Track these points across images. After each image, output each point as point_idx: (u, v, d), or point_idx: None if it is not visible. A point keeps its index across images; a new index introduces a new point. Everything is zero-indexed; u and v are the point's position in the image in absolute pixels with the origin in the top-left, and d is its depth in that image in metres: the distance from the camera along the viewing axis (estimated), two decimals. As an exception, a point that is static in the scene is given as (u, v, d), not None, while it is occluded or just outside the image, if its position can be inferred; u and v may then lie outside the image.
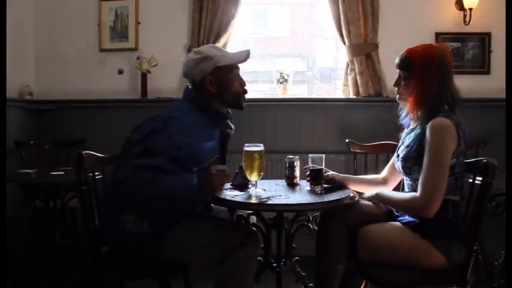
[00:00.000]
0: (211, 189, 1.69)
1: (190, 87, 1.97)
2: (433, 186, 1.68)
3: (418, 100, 1.78)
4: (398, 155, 1.90)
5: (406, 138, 1.88)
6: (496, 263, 2.53)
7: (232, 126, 2.04)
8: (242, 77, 1.99)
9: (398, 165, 1.89)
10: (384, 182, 2.08)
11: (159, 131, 1.72)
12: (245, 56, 1.94)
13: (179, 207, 1.70)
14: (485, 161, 1.65)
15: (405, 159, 1.83)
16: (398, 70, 1.88)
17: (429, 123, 1.72)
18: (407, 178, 1.88)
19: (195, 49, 1.97)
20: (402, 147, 1.89)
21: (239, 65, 1.98)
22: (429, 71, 1.76)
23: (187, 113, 1.85)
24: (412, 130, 1.84)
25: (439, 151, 1.69)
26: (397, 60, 1.87)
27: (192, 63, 1.92)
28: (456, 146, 1.72)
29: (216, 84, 1.91)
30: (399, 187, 2.09)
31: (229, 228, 1.85)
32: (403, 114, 1.95)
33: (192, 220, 1.82)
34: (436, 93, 1.76)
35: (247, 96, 1.99)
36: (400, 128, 2.02)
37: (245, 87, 1.99)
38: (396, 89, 1.90)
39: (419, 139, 1.76)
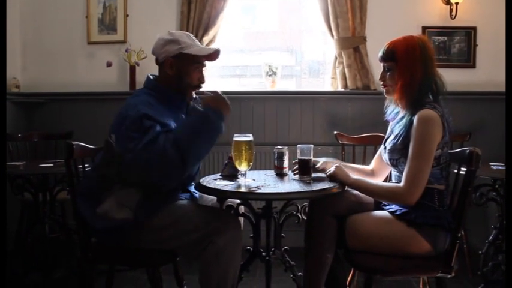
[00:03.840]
0: (224, 107, 1.79)
1: (151, 77, 1.99)
2: (416, 176, 1.72)
3: (404, 88, 1.81)
4: (385, 147, 1.94)
5: (396, 127, 1.90)
6: (480, 252, 2.58)
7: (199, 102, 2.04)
8: (204, 74, 2.01)
9: (386, 157, 1.92)
10: (372, 173, 2.11)
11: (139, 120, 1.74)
12: (211, 52, 1.95)
13: (210, 138, 1.75)
14: (468, 150, 1.68)
15: (392, 151, 1.86)
16: (382, 63, 1.91)
17: (416, 115, 1.75)
18: (395, 170, 1.91)
19: (170, 30, 1.98)
20: (390, 139, 1.92)
21: (206, 63, 1.99)
22: (413, 58, 1.80)
23: (142, 96, 1.89)
24: (402, 119, 1.87)
25: (425, 142, 1.73)
26: (380, 53, 1.90)
27: (161, 42, 1.94)
28: (442, 137, 1.76)
29: (175, 68, 1.92)
30: (387, 180, 2.12)
31: (207, 213, 1.86)
32: (389, 110, 1.99)
33: (172, 206, 1.85)
34: (422, 79, 1.80)
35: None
36: (386, 123, 2.06)
37: (201, 83, 2.00)
38: (382, 83, 1.92)
39: (407, 131, 1.80)
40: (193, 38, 1.99)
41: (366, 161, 2.20)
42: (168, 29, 1.99)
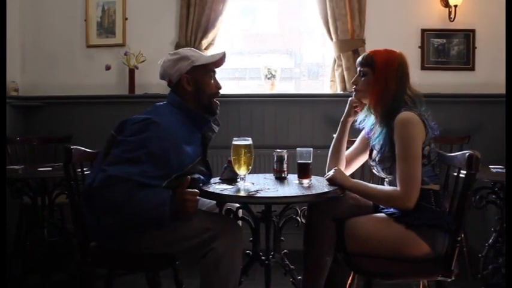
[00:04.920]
0: (183, 214, 1.71)
1: (175, 95, 1.96)
2: (409, 178, 1.74)
3: (379, 96, 1.86)
4: (374, 160, 1.95)
5: (376, 143, 1.92)
6: (480, 255, 2.58)
7: (216, 129, 2.05)
8: (218, 80, 2.01)
9: (378, 169, 1.94)
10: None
11: (138, 135, 1.73)
12: (221, 56, 1.96)
13: (148, 224, 1.73)
14: (468, 154, 1.68)
15: (382, 161, 1.88)
16: (358, 68, 1.95)
17: (395, 120, 1.78)
18: (390, 177, 1.91)
19: (171, 52, 2.00)
20: (375, 152, 1.94)
21: (216, 70, 2.00)
22: (390, 69, 1.85)
23: (168, 116, 1.86)
24: (380, 133, 1.89)
25: (409, 143, 1.75)
26: (359, 59, 1.96)
27: (170, 63, 1.94)
28: (426, 134, 1.79)
29: (193, 83, 1.92)
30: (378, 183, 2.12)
31: (207, 219, 1.85)
32: (360, 117, 2.03)
33: None
34: (395, 91, 1.84)
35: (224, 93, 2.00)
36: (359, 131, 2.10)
37: (219, 90, 2.00)
38: (354, 86, 1.97)
39: (389, 138, 1.82)
40: (196, 50, 2.02)
41: (363, 164, 2.20)
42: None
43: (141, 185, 1.68)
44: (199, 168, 1.93)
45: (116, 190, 1.64)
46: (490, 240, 2.55)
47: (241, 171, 1.87)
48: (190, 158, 1.86)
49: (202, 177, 1.94)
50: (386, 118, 1.84)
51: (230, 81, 3.89)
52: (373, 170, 2.01)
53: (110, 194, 1.64)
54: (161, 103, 1.99)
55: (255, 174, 2.17)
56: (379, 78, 1.86)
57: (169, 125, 1.79)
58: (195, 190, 1.76)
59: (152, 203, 1.68)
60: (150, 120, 1.77)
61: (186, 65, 1.91)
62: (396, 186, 1.78)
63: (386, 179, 1.95)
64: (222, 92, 2.02)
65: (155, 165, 1.71)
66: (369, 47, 3.41)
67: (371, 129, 2.00)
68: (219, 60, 1.97)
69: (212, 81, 1.97)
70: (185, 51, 1.97)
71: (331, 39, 3.45)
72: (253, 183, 1.92)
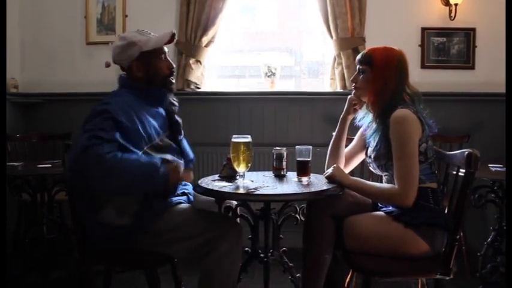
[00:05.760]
0: (173, 180, 1.71)
1: (125, 77, 1.96)
2: (406, 176, 1.74)
3: (378, 93, 1.86)
4: (370, 157, 1.95)
5: (371, 140, 1.93)
6: (478, 254, 2.58)
7: (176, 103, 2.03)
8: (169, 59, 1.98)
9: (374, 166, 1.94)
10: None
11: (99, 115, 1.72)
12: (169, 37, 1.92)
13: (140, 185, 1.69)
14: (467, 152, 1.68)
15: (377, 158, 1.88)
16: (358, 65, 1.95)
17: (391, 117, 1.78)
18: (386, 174, 1.91)
19: (120, 34, 1.96)
20: (370, 149, 1.94)
21: (166, 49, 1.96)
22: (389, 67, 1.85)
23: (124, 95, 1.86)
24: (375, 131, 1.90)
25: (406, 141, 1.75)
26: (358, 56, 1.95)
27: (118, 49, 1.91)
28: (422, 131, 1.78)
29: (143, 69, 1.90)
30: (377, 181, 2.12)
31: (209, 219, 1.85)
32: (360, 115, 2.03)
33: (173, 211, 1.83)
34: (394, 88, 1.84)
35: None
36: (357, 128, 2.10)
37: (172, 70, 1.97)
38: (353, 84, 1.97)
39: (384, 135, 1.82)
40: (145, 31, 1.96)
41: (363, 162, 2.20)
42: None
43: (123, 149, 1.66)
44: (169, 142, 1.90)
45: (104, 148, 1.60)
46: (489, 239, 2.56)
47: (241, 168, 1.87)
48: (158, 130, 1.85)
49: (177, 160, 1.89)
50: (382, 115, 1.84)
51: (230, 79, 3.88)
52: (369, 167, 2.01)
53: (99, 150, 1.59)
54: (114, 90, 1.98)
55: (254, 172, 2.17)
56: (377, 76, 1.86)
57: (125, 100, 1.80)
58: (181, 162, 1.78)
59: (143, 160, 1.67)
60: (105, 102, 1.78)
61: (134, 52, 1.88)
62: (394, 183, 1.78)
63: (384, 177, 1.95)
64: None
65: (126, 135, 1.70)
66: (369, 45, 3.36)
67: (368, 127, 2.00)
68: (169, 40, 1.93)
69: (164, 62, 1.94)
70: (133, 35, 1.92)
71: (331, 37, 3.44)
72: (252, 181, 1.92)
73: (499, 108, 2.93)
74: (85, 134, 1.66)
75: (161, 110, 1.95)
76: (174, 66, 2.01)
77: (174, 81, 2.00)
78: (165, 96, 1.96)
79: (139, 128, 1.76)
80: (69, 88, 3.62)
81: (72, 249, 2.89)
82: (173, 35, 1.93)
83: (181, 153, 2.00)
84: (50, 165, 2.74)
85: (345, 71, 3.42)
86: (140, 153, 1.74)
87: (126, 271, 2.72)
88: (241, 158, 1.85)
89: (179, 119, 2.05)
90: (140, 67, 1.90)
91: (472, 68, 3.49)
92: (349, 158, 2.12)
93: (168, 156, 1.83)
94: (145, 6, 3.63)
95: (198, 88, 3.51)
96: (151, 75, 1.91)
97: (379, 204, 1.94)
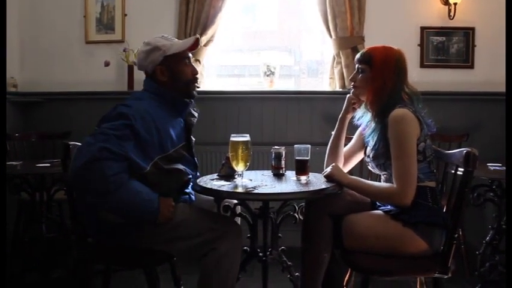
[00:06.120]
0: (162, 216, 1.73)
1: (151, 80, 1.95)
2: (405, 175, 1.74)
3: (376, 92, 1.86)
4: (368, 156, 1.95)
5: (370, 139, 1.93)
6: (477, 252, 2.59)
7: (196, 115, 2.03)
8: (194, 65, 1.99)
9: (372, 165, 1.94)
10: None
11: (117, 120, 1.72)
12: (192, 42, 1.93)
13: (131, 212, 1.71)
14: (466, 151, 1.68)
15: (376, 158, 1.89)
16: (357, 65, 1.95)
17: (389, 117, 1.78)
18: (385, 173, 1.92)
19: (145, 40, 1.96)
20: (369, 149, 1.95)
21: (190, 54, 1.97)
22: (388, 66, 1.85)
23: (147, 100, 1.85)
24: (373, 130, 1.90)
25: (404, 141, 1.75)
26: (357, 56, 1.95)
27: (143, 55, 1.92)
28: (420, 130, 1.79)
29: (167, 73, 1.90)
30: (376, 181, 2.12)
31: (209, 219, 1.85)
32: (358, 114, 2.03)
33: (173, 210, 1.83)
34: (393, 88, 1.84)
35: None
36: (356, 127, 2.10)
37: (196, 75, 1.98)
38: (352, 83, 1.98)
39: (383, 134, 1.82)
40: (169, 37, 1.97)
41: (362, 161, 2.20)
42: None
43: (132, 169, 1.67)
44: (183, 153, 1.90)
45: (113, 167, 1.61)
46: (487, 238, 2.56)
47: (239, 167, 1.88)
48: (174, 141, 1.84)
49: (188, 170, 1.89)
50: (381, 115, 1.84)
51: (229, 78, 3.88)
52: (368, 166, 2.01)
53: (106, 169, 1.59)
54: (139, 91, 1.98)
55: (253, 171, 2.17)
56: (376, 75, 1.86)
57: (147, 108, 1.79)
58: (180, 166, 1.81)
59: (142, 195, 1.68)
60: (127, 105, 1.78)
61: (158, 56, 1.88)
62: (392, 182, 1.78)
63: (382, 176, 1.95)
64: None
65: (140, 146, 1.70)
66: (368, 45, 3.38)
67: (367, 126, 2.00)
68: (193, 45, 1.94)
69: (187, 67, 1.94)
70: (156, 40, 1.92)
71: (331, 36, 3.44)
72: (251, 180, 1.93)
73: (498, 108, 2.93)
74: (99, 135, 1.67)
75: (180, 120, 1.95)
76: (198, 72, 2.00)
77: (199, 87, 2.00)
78: (186, 108, 1.95)
79: (155, 139, 1.75)
80: (69, 87, 3.61)
81: (72, 248, 2.89)
82: (197, 40, 1.94)
83: (194, 164, 1.99)
84: (49, 165, 2.74)
85: (344, 70, 3.42)
86: (148, 167, 1.73)
87: (126, 270, 2.72)
88: (239, 157, 1.86)
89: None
90: (164, 71, 1.90)
91: (471, 67, 3.50)
92: (348, 157, 2.12)
93: (180, 166, 1.84)
94: (145, 5, 3.63)
95: (197, 87, 3.50)
96: (175, 79, 1.91)
97: (378, 203, 1.94)
